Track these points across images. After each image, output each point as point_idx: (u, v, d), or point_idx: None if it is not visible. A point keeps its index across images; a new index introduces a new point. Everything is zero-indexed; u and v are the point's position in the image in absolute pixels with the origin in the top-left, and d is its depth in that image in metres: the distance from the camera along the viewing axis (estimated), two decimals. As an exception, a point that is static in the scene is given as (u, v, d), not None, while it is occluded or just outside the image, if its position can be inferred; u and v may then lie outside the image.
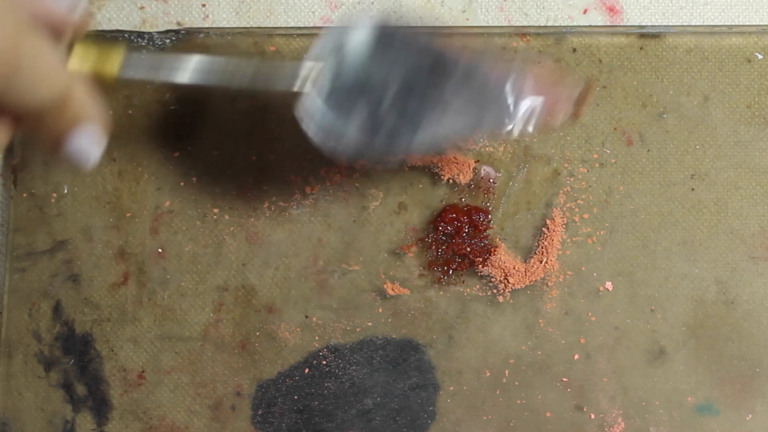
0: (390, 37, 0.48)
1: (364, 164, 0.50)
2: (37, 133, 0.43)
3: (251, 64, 0.46)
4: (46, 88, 0.40)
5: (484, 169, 0.54)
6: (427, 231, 0.53)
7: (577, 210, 0.53)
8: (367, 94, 0.48)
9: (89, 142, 0.43)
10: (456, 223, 0.53)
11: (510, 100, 0.49)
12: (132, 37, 0.55)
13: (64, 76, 0.41)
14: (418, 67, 0.48)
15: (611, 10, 0.56)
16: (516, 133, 0.49)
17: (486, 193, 0.53)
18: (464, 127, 0.48)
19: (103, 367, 0.54)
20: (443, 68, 0.48)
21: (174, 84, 0.55)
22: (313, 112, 0.48)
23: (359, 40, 0.48)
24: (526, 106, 0.49)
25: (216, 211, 0.54)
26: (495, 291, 0.53)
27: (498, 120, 0.49)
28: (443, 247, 0.53)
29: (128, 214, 0.54)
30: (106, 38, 0.55)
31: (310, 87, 0.48)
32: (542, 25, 0.56)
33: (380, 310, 0.53)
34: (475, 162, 0.53)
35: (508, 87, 0.49)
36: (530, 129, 0.49)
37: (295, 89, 0.48)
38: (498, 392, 0.53)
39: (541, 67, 0.51)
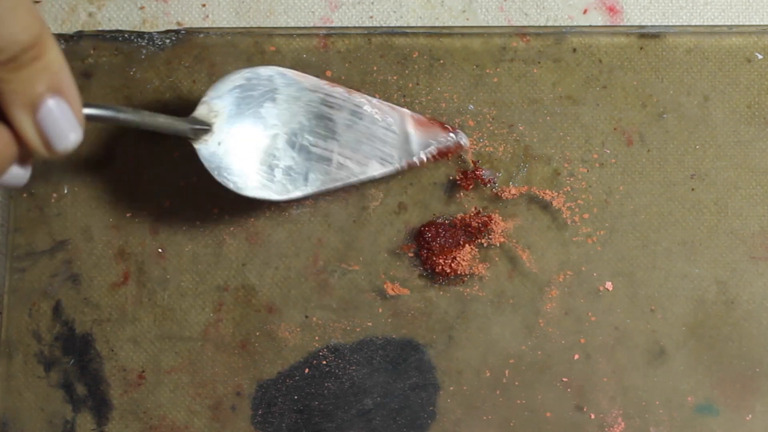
0: (283, 77, 0.51)
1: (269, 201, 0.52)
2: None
3: (143, 115, 0.47)
4: (23, 22, 0.36)
5: (484, 171, 0.54)
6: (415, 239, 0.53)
7: (577, 210, 0.53)
8: (262, 134, 0.51)
9: (13, 181, 0.40)
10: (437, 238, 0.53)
11: (399, 136, 0.52)
12: (132, 37, 0.55)
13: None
14: (310, 104, 0.51)
15: (611, 10, 0.56)
16: (417, 162, 0.52)
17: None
18: (360, 160, 0.52)
19: (103, 367, 0.54)
20: (333, 104, 0.51)
21: (173, 85, 0.55)
22: (210, 157, 0.50)
23: (254, 80, 0.51)
24: (417, 141, 0.52)
25: (216, 211, 0.54)
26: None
27: (396, 153, 0.52)
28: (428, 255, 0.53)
29: (128, 214, 0.54)
30: (106, 38, 0.55)
31: (206, 134, 0.50)
32: (542, 25, 0.56)
33: (380, 310, 0.53)
34: (474, 162, 0.53)
35: (393, 125, 0.52)
36: (423, 158, 0.52)
37: (191, 136, 0.50)
38: (498, 392, 0.53)
39: (417, 115, 0.53)
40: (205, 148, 0.50)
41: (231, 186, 0.50)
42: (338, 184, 0.51)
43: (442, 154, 0.52)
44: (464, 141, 0.53)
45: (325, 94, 0.51)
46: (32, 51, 0.37)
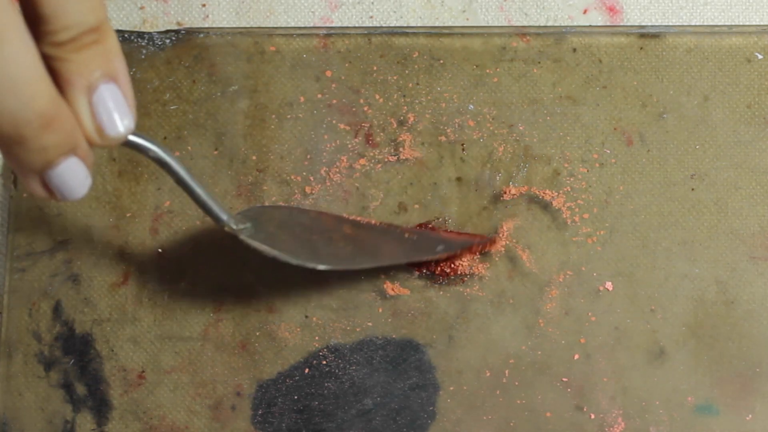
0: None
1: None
2: (11, 160, 0.37)
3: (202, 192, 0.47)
4: (91, 3, 0.36)
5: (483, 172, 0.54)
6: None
7: (577, 210, 0.53)
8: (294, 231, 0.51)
9: (74, 177, 0.38)
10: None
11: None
12: (132, 37, 0.55)
13: (48, 87, 0.36)
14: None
15: (611, 10, 0.56)
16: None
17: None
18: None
19: (103, 367, 0.54)
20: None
21: (174, 85, 0.55)
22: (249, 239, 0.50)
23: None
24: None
25: (216, 211, 0.54)
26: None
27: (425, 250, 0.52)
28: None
29: (128, 214, 0.54)
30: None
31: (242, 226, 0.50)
32: (542, 25, 0.56)
33: (380, 310, 0.53)
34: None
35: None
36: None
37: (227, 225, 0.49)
38: (498, 392, 0.53)
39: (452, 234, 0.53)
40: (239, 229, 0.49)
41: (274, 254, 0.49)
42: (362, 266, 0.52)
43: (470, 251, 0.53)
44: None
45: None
46: (94, 34, 0.37)
